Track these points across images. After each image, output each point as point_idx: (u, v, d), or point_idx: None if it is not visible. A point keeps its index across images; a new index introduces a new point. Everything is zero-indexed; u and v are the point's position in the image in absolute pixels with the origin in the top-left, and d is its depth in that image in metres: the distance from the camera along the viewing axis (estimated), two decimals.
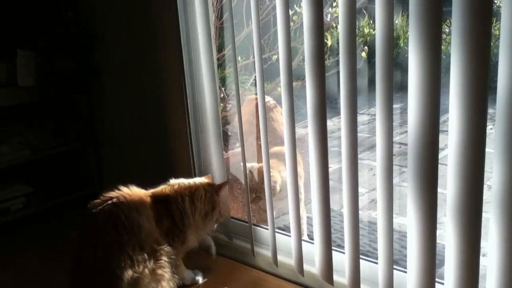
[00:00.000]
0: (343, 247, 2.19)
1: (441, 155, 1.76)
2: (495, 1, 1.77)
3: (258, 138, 2.69)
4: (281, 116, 2.31)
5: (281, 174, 2.70)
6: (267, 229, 2.51)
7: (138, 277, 2.12)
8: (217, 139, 2.61)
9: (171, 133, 2.91)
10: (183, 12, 2.62)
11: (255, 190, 2.70)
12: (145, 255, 2.16)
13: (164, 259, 2.24)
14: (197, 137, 2.77)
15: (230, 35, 2.31)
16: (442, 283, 1.90)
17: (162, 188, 2.37)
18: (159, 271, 2.22)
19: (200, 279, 2.54)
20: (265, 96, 2.82)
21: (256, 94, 2.34)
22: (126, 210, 2.19)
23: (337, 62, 1.96)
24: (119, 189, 2.28)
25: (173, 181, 2.40)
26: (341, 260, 2.22)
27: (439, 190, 1.77)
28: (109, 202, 2.20)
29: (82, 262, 2.17)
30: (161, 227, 2.28)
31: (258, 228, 2.67)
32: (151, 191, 2.35)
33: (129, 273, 2.09)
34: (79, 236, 2.23)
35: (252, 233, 2.58)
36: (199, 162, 2.77)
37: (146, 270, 2.15)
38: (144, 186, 2.37)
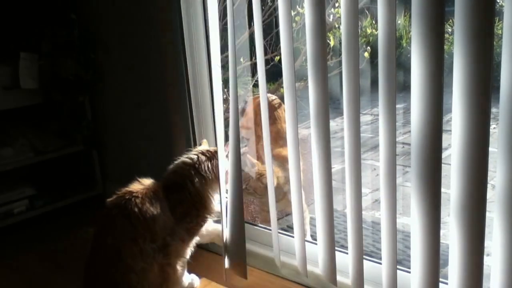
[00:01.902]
0: (346, 248, 2.19)
1: (444, 154, 1.76)
2: (498, 1, 1.77)
3: (259, 138, 2.68)
4: (285, 114, 2.31)
5: (276, 175, 2.71)
6: (270, 230, 2.51)
7: (147, 268, 2.18)
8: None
9: (174, 135, 2.91)
10: (185, 14, 2.62)
11: (248, 182, 2.71)
12: (156, 247, 2.22)
13: (174, 257, 2.30)
14: (200, 139, 2.77)
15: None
16: (446, 283, 1.89)
17: (169, 174, 2.40)
18: (167, 269, 2.27)
19: (196, 283, 2.57)
20: (270, 95, 2.83)
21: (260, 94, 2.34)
22: (140, 202, 2.23)
23: (340, 62, 1.96)
24: (132, 184, 2.32)
25: (176, 162, 2.44)
26: (345, 260, 2.22)
27: (442, 190, 1.77)
28: (125, 198, 2.25)
29: (96, 254, 2.24)
30: (176, 213, 2.32)
31: (260, 229, 2.67)
32: (161, 181, 2.38)
33: (139, 264, 2.16)
34: (95, 230, 2.29)
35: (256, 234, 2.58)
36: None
37: (155, 264, 2.21)
38: None
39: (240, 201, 2.37)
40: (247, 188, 2.74)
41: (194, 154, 2.44)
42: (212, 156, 2.44)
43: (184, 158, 2.44)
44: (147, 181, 2.36)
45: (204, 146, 2.53)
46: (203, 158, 2.42)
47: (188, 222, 2.36)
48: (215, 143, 2.73)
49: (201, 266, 2.61)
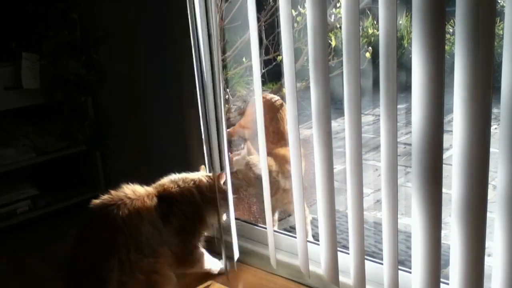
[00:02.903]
0: (348, 248, 2.19)
1: (445, 155, 1.76)
2: (499, 1, 1.77)
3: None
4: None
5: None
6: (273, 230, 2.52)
7: (127, 281, 2.11)
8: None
9: (177, 135, 2.91)
10: (189, 13, 2.62)
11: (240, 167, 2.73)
12: (141, 256, 2.15)
13: (163, 266, 2.24)
14: (206, 140, 2.77)
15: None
16: (447, 284, 1.89)
17: (165, 185, 2.36)
18: (155, 277, 2.20)
19: (215, 267, 2.59)
20: (272, 96, 2.83)
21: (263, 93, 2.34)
22: (126, 214, 2.16)
23: (341, 62, 1.96)
24: (121, 188, 2.27)
25: (173, 176, 2.42)
26: (346, 260, 2.22)
27: (444, 190, 1.77)
28: (110, 204, 2.18)
29: (74, 262, 2.17)
30: (170, 225, 2.28)
31: (261, 229, 2.67)
32: (155, 189, 2.34)
33: (117, 277, 2.08)
34: (76, 236, 2.23)
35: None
36: (208, 166, 2.77)
37: (139, 274, 2.14)
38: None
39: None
40: (237, 173, 2.75)
41: (196, 176, 2.44)
42: (212, 181, 2.44)
43: (185, 175, 2.44)
44: (137, 187, 2.31)
45: (203, 172, 2.54)
46: (204, 180, 2.43)
47: (185, 235, 2.35)
48: (217, 146, 2.74)
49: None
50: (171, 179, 2.40)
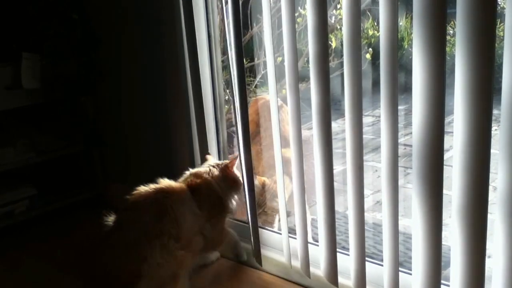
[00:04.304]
0: (348, 249, 2.19)
1: (446, 156, 1.76)
2: (499, 2, 1.77)
3: (260, 139, 2.68)
4: (287, 115, 2.31)
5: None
6: (275, 232, 2.52)
7: (162, 264, 2.20)
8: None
9: (176, 135, 2.91)
10: (187, 15, 2.62)
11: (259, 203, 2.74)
12: (178, 246, 2.26)
13: (193, 253, 2.38)
14: (201, 139, 2.78)
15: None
16: (448, 285, 1.89)
17: (189, 179, 2.47)
18: (184, 260, 2.31)
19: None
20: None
21: (262, 94, 2.35)
22: (173, 201, 2.30)
23: (342, 63, 1.96)
24: (158, 182, 2.37)
25: (188, 172, 2.53)
26: (346, 262, 2.22)
27: (444, 191, 1.77)
28: (157, 192, 2.32)
29: (114, 243, 2.27)
30: (202, 213, 2.40)
31: (263, 230, 2.67)
32: (182, 183, 2.45)
33: (156, 259, 2.19)
34: (118, 219, 2.32)
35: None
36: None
37: (172, 260, 2.24)
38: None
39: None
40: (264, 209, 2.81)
41: (206, 167, 2.54)
42: (221, 169, 2.53)
43: (198, 169, 2.55)
44: (170, 181, 2.41)
45: (211, 161, 2.62)
46: (213, 170, 2.52)
47: (213, 220, 2.47)
48: (217, 147, 2.74)
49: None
50: (191, 173, 2.51)
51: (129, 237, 2.23)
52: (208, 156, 2.66)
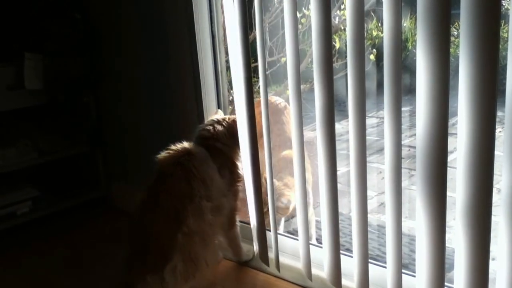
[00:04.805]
0: (351, 251, 2.18)
1: (450, 158, 1.75)
2: (503, 3, 1.76)
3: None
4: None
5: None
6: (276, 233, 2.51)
7: (195, 231, 2.24)
8: None
9: (180, 135, 2.91)
10: (191, 15, 2.62)
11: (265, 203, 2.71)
12: (208, 205, 2.30)
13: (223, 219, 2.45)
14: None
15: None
16: None
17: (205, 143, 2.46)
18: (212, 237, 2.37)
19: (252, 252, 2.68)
20: (276, 98, 2.82)
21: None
22: (197, 162, 2.33)
23: (346, 64, 1.95)
24: (176, 146, 2.40)
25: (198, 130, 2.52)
26: (350, 264, 2.21)
27: (448, 193, 1.76)
28: (180, 155, 2.34)
29: (147, 210, 2.30)
30: (223, 176, 2.43)
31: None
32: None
33: (190, 226, 2.22)
34: (150, 188, 2.33)
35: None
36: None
37: (204, 225, 2.29)
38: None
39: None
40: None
41: (210, 125, 2.50)
42: (227, 125, 2.51)
43: (200, 132, 2.51)
44: (190, 145, 2.42)
45: (219, 115, 2.60)
46: (218, 127, 2.49)
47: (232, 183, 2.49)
48: None
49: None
50: (200, 134, 2.50)
51: (164, 205, 2.24)
52: (218, 111, 2.66)
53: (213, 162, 2.39)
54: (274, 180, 2.69)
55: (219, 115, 2.59)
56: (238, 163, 2.52)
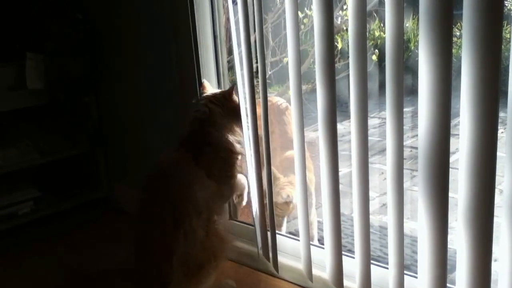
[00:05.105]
0: (353, 252, 2.18)
1: (452, 159, 1.75)
2: (506, 4, 1.76)
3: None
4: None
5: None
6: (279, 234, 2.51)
7: (192, 252, 2.19)
8: None
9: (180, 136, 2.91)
10: (193, 15, 2.62)
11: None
12: (202, 218, 2.23)
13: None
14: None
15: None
16: None
17: (187, 138, 2.38)
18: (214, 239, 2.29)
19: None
20: (278, 98, 2.82)
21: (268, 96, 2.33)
22: (176, 186, 2.23)
23: (348, 65, 1.95)
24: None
25: (190, 120, 2.40)
26: (352, 265, 2.21)
27: (450, 194, 1.75)
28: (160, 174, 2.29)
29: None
30: (213, 174, 2.30)
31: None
32: (184, 147, 2.35)
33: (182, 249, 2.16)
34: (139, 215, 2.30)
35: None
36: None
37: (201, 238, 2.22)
38: None
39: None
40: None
41: (204, 105, 2.38)
42: (221, 101, 2.39)
43: (194, 114, 2.39)
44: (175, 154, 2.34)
45: (208, 89, 2.48)
46: (213, 107, 2.37)
47: (226, 173, 2.36)
48: None
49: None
50: (189, 128, 2.39)
51: (152, 238, 2.20)
52: (204, 82, 2.52)
53: (200, 167, 2.28)
54: (279, 175, 2.69)
55: (208, 87, 2.49)
56: (235, 142, 2.39)
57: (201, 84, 2.54)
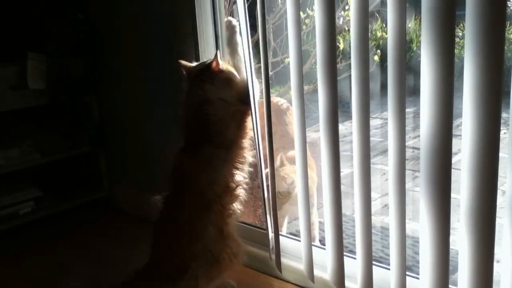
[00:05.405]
0: (355, 253, 2.17)
1: (454, 159, 1.75)
2: (509, 5, 1.76)
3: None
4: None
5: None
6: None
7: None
8: None
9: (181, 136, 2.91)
10: (194, 15, 2.62)
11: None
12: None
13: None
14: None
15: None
16: None
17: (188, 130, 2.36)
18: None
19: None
20: (279, 99, 2.81)
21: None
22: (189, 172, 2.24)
23: (350, 65, 1.94)
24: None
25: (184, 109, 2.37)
26: (353, 266, 2.21)
27: (452, 195, 1.75)
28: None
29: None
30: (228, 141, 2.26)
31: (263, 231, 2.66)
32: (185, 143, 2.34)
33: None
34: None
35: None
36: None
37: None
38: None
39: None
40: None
41: (196, 86, 2.27)
42: (210, 75, 2.24)
43: (190, 98, 2.32)
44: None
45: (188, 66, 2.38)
46: (205, 86, 2.24)
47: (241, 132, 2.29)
48: None
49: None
50: (187, 117, 2.35)
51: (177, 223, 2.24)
52: (182, 63, 2.39)
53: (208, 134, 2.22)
54: (286, 162, 2.67)
55: (187, 64, 2.38)
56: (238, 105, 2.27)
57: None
